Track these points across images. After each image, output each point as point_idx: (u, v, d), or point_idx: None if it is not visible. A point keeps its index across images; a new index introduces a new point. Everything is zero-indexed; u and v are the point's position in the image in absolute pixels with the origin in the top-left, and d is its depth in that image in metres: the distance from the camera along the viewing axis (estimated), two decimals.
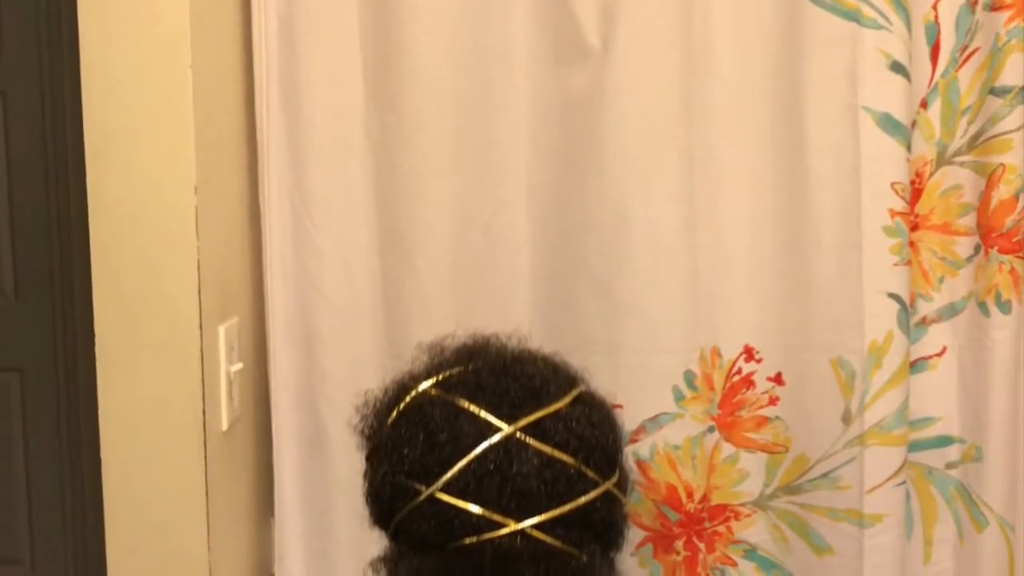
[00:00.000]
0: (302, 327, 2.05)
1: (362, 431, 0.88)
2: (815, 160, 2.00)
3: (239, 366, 1.96)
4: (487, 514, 0.76)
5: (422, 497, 0.77)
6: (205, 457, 1.84)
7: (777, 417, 2.07)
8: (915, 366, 2.07)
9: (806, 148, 2.00)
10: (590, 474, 0.79)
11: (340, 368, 2.03)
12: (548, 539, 0.80)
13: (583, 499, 0.78)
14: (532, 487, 0.77)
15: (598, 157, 2.00)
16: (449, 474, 0.76)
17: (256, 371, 2.08)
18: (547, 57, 2.01)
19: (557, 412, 0.79)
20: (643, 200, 2.00)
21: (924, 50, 2.02)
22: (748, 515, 2.09)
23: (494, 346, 0.86)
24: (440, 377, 0.82)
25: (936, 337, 2.09)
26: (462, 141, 2.01)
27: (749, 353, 2.05)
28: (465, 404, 0.77)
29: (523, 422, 0.77)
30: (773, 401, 2.06)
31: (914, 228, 2.05)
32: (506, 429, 0.76)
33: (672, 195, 2.01)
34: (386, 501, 0.83)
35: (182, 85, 1.80)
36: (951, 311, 2.09)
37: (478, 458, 0.76)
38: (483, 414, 0.77)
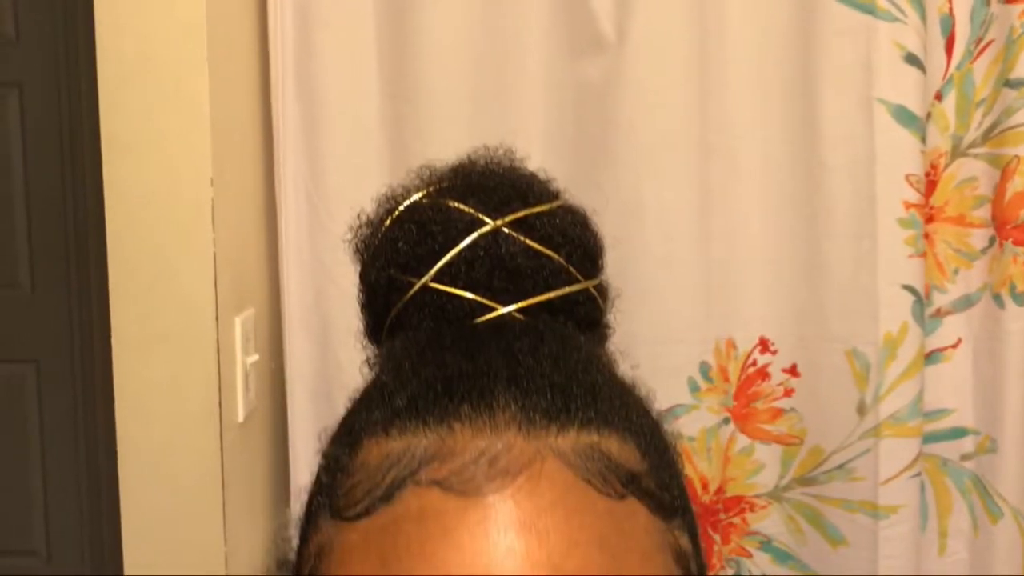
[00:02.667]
0: (318, 319, 2.05)
1: (355, 245, 0.90)
2: (829, 151, 2.00)
3: (255, 357, 1.96)
4: (478, 299, 0.78)
5: (416, 287, 0.79)
6: (221, 448, 1.85)
7: (792, 409, 2.07)
8: (930, 358, 2.07)
9: (821, 139, 2.00)
10: (573, 271, 0.81)
11: (356, 360, 2.03)
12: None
13: (568, 289, 0.80)
14: (520, 272, 0.79)
15: (612, 146, 2.01)
16: (441, 262, 0.78)
17: (272, 362, 2.08)
18: (562, 47, 2.01)
19: (542, 212, 0.81)
20: (658, 190, 2.01)
21: (939, 42, 2.02)
22: (763, 507, 2.09)
23: (483, 158, 0.89)
24: (431, 189, 0.85)
25: (951, 329, 2.09)
26: (477, 131, 2.01)
27: (764, 344, 2.05)
28: (455, 204, 0.79)
29: (510, 217, 0.79)
30: (788, 393, 2.07)
31: (929, 220, 2.05)
32: (494, 222, 0.78)
33: (687, 185, 2.02)
34: (381, 297, 0.85)
35: (198, 77, 1.81)
36: (966, 303, 2.09)
37: (468, 246, 0.78)
38: (472, 210, 0.79)
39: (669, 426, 0.78)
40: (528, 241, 0.80)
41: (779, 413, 2.07)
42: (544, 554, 0.61)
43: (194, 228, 1.83)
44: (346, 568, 0.65)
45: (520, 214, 0.81)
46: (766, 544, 2.11)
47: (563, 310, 0.81)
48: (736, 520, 2.10)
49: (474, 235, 0.79)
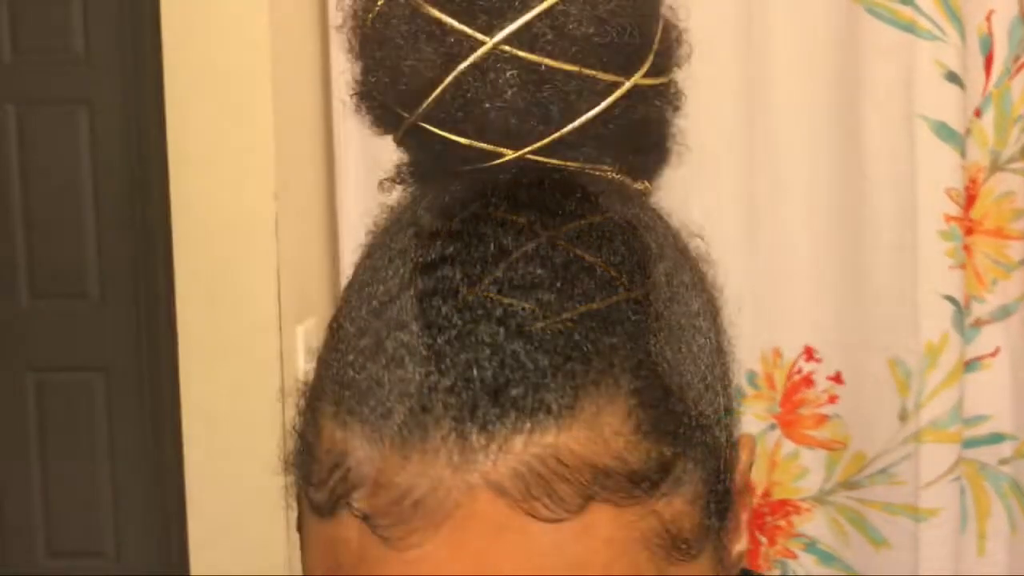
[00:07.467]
0: None
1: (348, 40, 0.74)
2: (872, 166, 2.03)
3: None
4: (476, 144, 0.64)
5: (404, 126, 0.66)
6: (283, 453, 1.87)
7: (836, 415, 2.11)
8: (969, 366, 2.09)
9: (864, 155, 2.04)
10: (604, 77, 0.64)
11: None
12: (564, 163, 0.66)
13: (595, 110, 0.64)
14: (524, 108, 0.63)
15: None
16: (422, 107, 0.64)
17: None
18: None
19: (549, 10, 0.63)
20: (706, 204, 2.04)
21: (978, 60, 2.05)
22: (808, 510, 2.13)
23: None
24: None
25: (990, 338, 2.11)
26: None
27: (809, 353, 2.09)
28: (434, 12, 0.63)
29: (505, 32, 0.62)
30: (832, 399, 2.10)
31: (968, 232, 2.08)
32: (485, 45, 0.63)
33: (734, 199, 2.06)
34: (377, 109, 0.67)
35: (262, 93, 1.84)
36: (1004, 312, 2.11)
37: (452, 84, 0.63)
38: (455, 25, 0.63)
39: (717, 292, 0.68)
40: (531, 57, 0.63)
41: (823, 419, 2.11)
42: None
43: (258, 240, 1.86)
44: (313, 559, 0.63)
45: (517, 24, 0.63)
46: (811, 546, 2.14)
47: (598, 137, 0.67)
48: (782, 523, 2.14)
49: (457, 70, 0.63)
